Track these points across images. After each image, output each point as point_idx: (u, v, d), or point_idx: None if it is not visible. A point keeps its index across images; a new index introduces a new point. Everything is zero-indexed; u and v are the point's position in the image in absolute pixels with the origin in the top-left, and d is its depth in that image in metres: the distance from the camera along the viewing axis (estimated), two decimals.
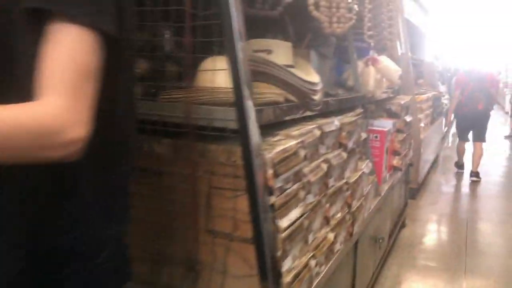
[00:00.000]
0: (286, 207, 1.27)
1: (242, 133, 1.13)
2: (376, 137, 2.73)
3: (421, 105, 4.76)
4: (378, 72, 2.44)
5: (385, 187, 2.75)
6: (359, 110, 2.29)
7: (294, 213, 1.33)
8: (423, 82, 5.81)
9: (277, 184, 1.21)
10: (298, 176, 1.37)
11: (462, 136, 5.78)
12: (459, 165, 5.93)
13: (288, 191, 1.29)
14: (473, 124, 5.56)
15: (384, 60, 2.50)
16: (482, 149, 5.47)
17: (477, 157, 5.46)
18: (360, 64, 2.46)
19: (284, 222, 1.24)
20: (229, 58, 1.13)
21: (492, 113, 5.68)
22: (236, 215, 1.22)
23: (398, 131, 3.22)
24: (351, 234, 1.92)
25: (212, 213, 1.26)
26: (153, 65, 1.43)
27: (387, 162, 2.86)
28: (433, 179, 5.45)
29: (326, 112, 1.84)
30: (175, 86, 1.36)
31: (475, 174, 5.45)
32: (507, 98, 12.66)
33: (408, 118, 3.33)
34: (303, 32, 2.18)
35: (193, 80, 1.31)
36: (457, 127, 5.99)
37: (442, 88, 9.44)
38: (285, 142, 1.32)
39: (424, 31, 6.76)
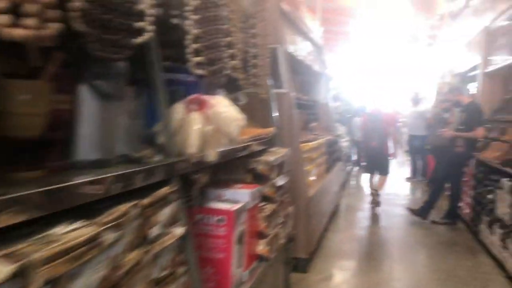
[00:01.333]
0: None
1: None
2: (220, 221, 1.76)
3: (310, 154, 3.99)
4: (209, 121, 1.50)
5: None
6: (165, 190, 1.32)
7: None
8: (316, 125, 5.14)
9: None
10: None
11: (368, 171, 6.47)
12: (372, 198, 6.32)
13: None
14: (373, 160, 6.26)
15: (219, 103, 1.57)
16: (384, 181, 6.31)
17: (379, 184, 6.35)
18: (179, 108, 1.51)
19: None
20: None
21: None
22: None
23: (266, 199, 2.30)
24: None
25: None
26: None
27: (243, 253, 1.90)
28: (332, 238, 4.67)
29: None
30: None
31: (375, 202, 6.23)
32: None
33: (280, 181, 2.44)
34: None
35: None
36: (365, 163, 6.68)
37: (342, 130, 9.08)
38: None
39: (320, 71, 6.23)
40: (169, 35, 1.63)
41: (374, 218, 5.81)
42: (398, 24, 16.26)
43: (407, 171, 9.31)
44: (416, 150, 8.54)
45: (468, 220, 5.04)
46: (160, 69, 1.43)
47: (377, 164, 6.22)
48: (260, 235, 2.12)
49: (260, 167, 2.30)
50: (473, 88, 7.25)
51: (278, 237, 2.37)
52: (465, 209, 5.24)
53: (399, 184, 8.38)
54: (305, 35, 5.03)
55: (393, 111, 8.74)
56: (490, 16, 5.68)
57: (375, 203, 6.22)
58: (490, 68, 5.77)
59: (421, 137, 8.36)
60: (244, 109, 2.80)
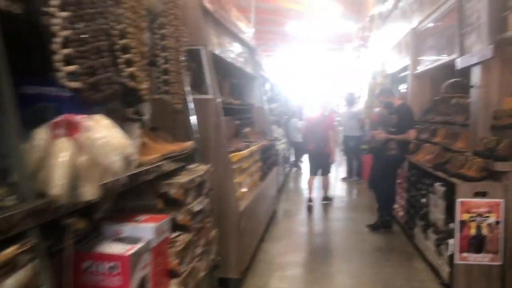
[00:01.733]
0: None
1: None
2: (113, 268, 1.41)
3: (241, 165, 3.71)
4: (82, 150, 1.14)
5: None
6: (11, 251, 0.95)
7: None
8: (249, 131, 4.88)
9: None
10: None
11: (310, 172, 6.59)
12: (309, 199, 6.45)
13: None
14: (315, 161, 6.51)
15: (97, 125, 1.22)
16: (328, 180, 6.64)
17: (324, 186, 6.69)
18: (41, 134, 1.14)
19: None
20: None
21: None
22: None
23: (180, 229, 1.98)
24: None
25: None
26: None
27: None
28: (268, 250, 4.42)
29: None
30: None
31: (324, 198, 6.70)
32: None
33: (199, 205, 2.12)
34: None
35: None
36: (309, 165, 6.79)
37: (279, 132, 8.93)
38: None
39: (253, 73, 5.98)
40: (34, 37, 1.26)
41: (312, 223, 5.68)
42: (331, 26, 16.53)
43: (343, 171, 9.36)
44: (351, 150, 8.58)
45: (403, 223, 5.03)
46: (8, 82, 1.06)
47: (319, 165, 6.46)
48: (172, 274, 1.79)
49: (173, 191, 1.97)
50: (403, 89, 7.38)
51: (196, 272, 2.05)
52: (400, 211, 5.23)
53: (335, 185, 8.37)
54: (235, 36, 4.74)
55: (330, 112, 8.75)
56: (418, 18, 5.74)
57: (310, 208, 6.33)
58: (419, 69, 5.84)
59: (356, 137, 8.41)
60: (156, 121, 2.46)
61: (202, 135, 3.16)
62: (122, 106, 1.74)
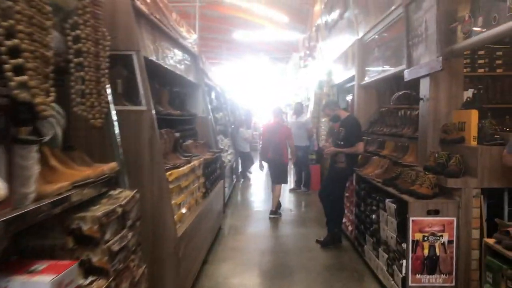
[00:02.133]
0: None
1: None
2: None
3: (179, 183, 3.35)
4: None
5: None
6: None
7: None
8: (191, 144, 4.52)
9: None
10: None
11: (272, 181, 6.62)
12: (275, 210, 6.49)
13: None
14: (271, 169, 6.59)
15: None
16: (279, 191, 6.55)
17: (274, 197, 6.52)
18: None
19: None
20: None
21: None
22: None
23: (96, 272, 1.61)
24: None
25: None
26: None
27: None
28: (211, 274, 4.07)
29: None
30: None
31: (273, 212, 6.43)
32: None
33: (120, 242, 1.75)
34: None
35: None
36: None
37: (226, 142, 8.62)
38: None
39: (196, 81, 5.64)
40: None
41: (259, 240, 5.39)
42: (277, 35, 16.56)
43: (291, 182, 9.21)
44: (299, 160, 8.46)
45: (353, 238, 4.87)
46: None
47: (274, 173, 6.57)
48: None
49: (86, 227, 1.60)
50: (350, 99, 7.35)
51: None
52: (349, 226, 5.08)
53: (284, 196, 8.17)
54: (175, 42, 4.39)
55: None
56: (364, 28, 5.68)
57: (275, 213, 6.44)
58: (366, 80, 5.78)
59: (303, 147, 8.30)
60: (73, 140, 2.07)
61: (133, 152, 2.79)
62: (12, 124, 1.35)
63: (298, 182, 8.79)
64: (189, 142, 4.59)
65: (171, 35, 4.14)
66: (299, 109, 8.93)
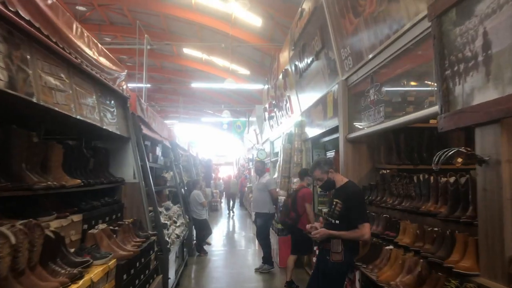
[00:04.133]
0: None
1: None
2: None
3: None
4: None
5: None
6: None
7: None
8: (104, 230, 2.82)
9: None
10: None
11: None
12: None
13: None
14: None
15: None
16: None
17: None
18: None
19: None
20: None
21: None
22: None
23: None
24: None
25: None
26: None
27: None
28: None
29: None
30: None
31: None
32: None
33: None
34: None
35: None
36: None
37: (175, 209, 6.85)
38: None
39: (127, 135, 4.04)
40: None
41: None
42: (238, 87, 15.43)
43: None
44: (258, 231, 6.87)
45: None
46: None
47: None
48: None
49: None
50: (331, 156, 5.92)
51: None
52: None
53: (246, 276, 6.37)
54: (87, 75, 2.83)
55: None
56: (350, 66, 4.34)
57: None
58: (355, 133, 4.38)
59: (263, 215, 6.79)
60: None
61: None
62: None
63: (264, 259, 6.99)
64: (100, 227, 2.88)
65: (67, 57, 2.56)
66: (260, 168, 7.40)
